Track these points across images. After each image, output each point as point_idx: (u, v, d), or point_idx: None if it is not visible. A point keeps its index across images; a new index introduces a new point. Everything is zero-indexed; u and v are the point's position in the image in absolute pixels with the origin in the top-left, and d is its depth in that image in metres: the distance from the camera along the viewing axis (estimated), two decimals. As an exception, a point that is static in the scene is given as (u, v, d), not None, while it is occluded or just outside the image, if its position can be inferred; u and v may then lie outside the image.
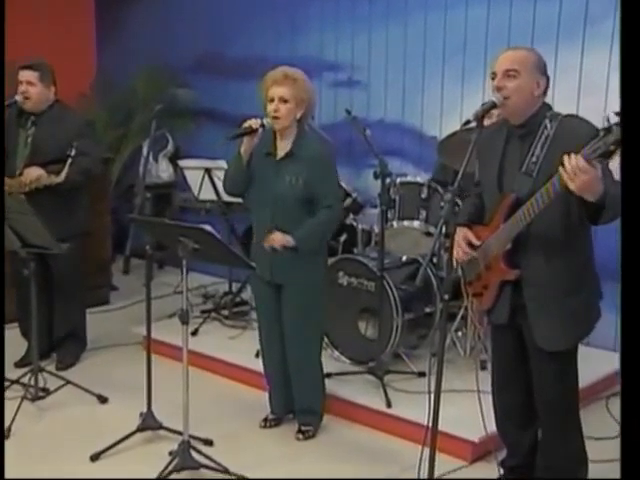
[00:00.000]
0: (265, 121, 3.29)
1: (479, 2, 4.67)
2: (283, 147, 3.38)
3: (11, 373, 4.05)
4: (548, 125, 2.58)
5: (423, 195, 4.04)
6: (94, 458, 3.34)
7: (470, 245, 2.77)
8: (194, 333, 4.60)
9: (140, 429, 3.49)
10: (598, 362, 4.02)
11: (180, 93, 6.19)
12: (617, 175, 2.26)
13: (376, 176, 3.78)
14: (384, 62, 5.18)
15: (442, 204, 3.97)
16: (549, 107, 2.66)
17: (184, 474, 3.15)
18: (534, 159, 2.59)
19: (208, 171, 4.73)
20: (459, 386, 3.63)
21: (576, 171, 2.29)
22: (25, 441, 3.53)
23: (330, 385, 3.75)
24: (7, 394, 3.81)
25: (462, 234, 2.78)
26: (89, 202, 4.42)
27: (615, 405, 3.76)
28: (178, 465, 3.13)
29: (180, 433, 3.21)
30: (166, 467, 3.13)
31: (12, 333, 4.43)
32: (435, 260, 4.28)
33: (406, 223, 4.06)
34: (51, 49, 5.14)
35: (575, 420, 2.82)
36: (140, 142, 6.15)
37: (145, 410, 3.52)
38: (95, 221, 4.84)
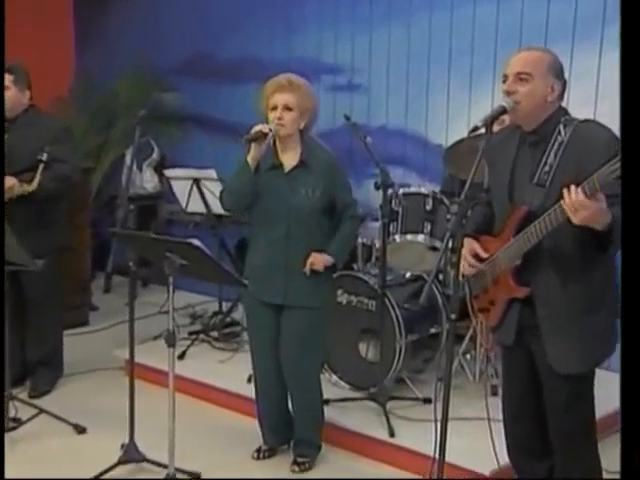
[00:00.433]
0: (271, 127, 3.29)
1: (488, 0, 4.69)
2: (289, 159, 3.41)
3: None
4: (562, 131, 2.58)
5: (428, 207, 4.06)
6: (71, 494, 3.33)
7: (477, 258, 2.78)
8: (181, 356, 4.59)
9: (122, 462, 3.46)
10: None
11: (166, 97, 6.19)
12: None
13: (377, 187, 3.79)
14: (386, 64, 5.20)
15: (448, 216, 3.98)
16: (565, 112, 2.66)
17: (169, 510, 3.13)
18: (547, 168, 2.59)
19: (196, 181, 4.72)
20: (468, 414, 3.63)
21: (576, 206, 2.32)
22: (-6, 476, 3.52)
23: (328, 412, 3.73)
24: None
25: (469, 246, 2.78)
26: (67, 215, 4.42)
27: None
28: (163, 501, 3.12)
29: (165, 466, 3.18)
30: (150, 503, 3.13)
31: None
32: (441, 277, 4.29)
33: (409, 237, 4.06)
34: (24, 48, 5.07)
35: (592, 452, 2.80)
36: (123, 150, 6.16)
37: (127, 441, 3.50)
38: (74, 235, 4.83)
